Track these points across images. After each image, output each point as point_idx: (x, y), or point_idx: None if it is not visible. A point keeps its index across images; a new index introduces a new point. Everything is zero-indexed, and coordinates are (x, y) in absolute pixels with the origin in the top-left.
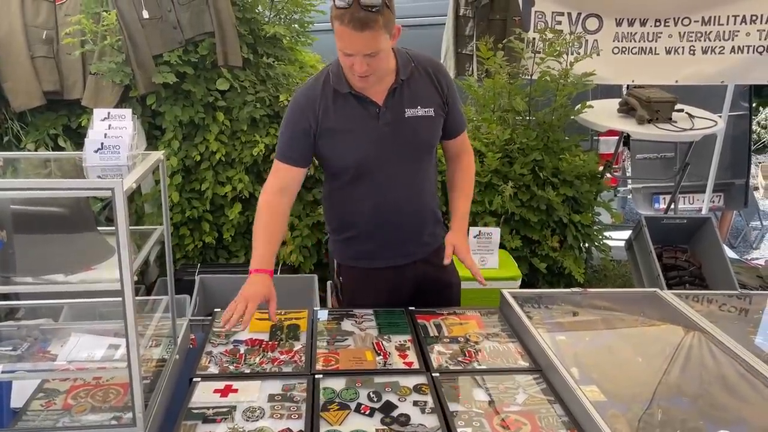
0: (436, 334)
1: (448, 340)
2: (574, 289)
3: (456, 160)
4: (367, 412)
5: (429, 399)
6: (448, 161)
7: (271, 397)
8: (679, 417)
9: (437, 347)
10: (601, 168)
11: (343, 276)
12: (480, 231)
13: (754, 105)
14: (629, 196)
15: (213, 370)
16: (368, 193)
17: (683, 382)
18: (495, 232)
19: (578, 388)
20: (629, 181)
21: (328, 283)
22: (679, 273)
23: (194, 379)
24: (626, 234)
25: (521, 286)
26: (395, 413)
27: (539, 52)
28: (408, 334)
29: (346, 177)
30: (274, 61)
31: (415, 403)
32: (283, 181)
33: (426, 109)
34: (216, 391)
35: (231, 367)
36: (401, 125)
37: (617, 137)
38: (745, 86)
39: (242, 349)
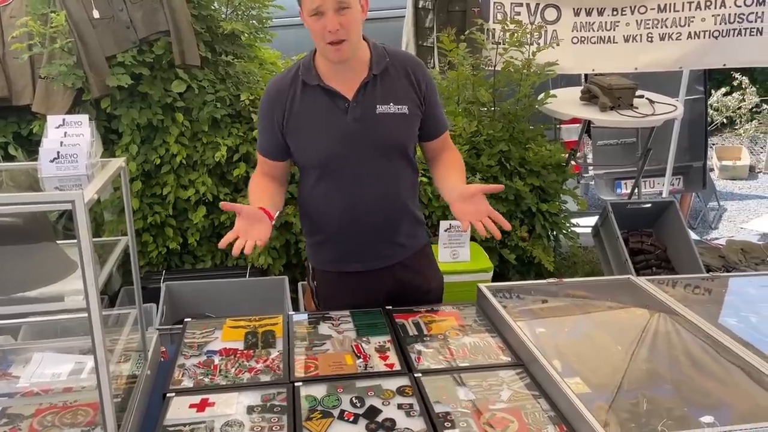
0: (416, 333)
1: (428, 338)
2: (549, 280)
3: (439, 157)
4: (351, 419)
5: (413, 401)
6: (430, 163)
7: (251, 409)
8: (664, 405)
9: (417, 347)
10: (565, 156)
11: (318, 280)
12: (450, 224)
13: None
14: (592, 183)
15: (187, 383)
16: (337, 193)
17: (663, 368)
18: None
19: (562, 381)
20: (590, 168)
21: (299, 285)
22: (646, 257)
23: (168, 395)
24: (592, 220)
25: (493, 278)
26: (380, 418)
27: (501, 43)
28: (387, 335)
29: (314, 175)
30: (233, 59)
31: (400, 407)
32: (267, 174)
33: (399, 107)
34: (192, 405)
35: (206, 380)
36: (371, 122)
37: (579, 125)
38: (701, 70)
39: (216, 359)
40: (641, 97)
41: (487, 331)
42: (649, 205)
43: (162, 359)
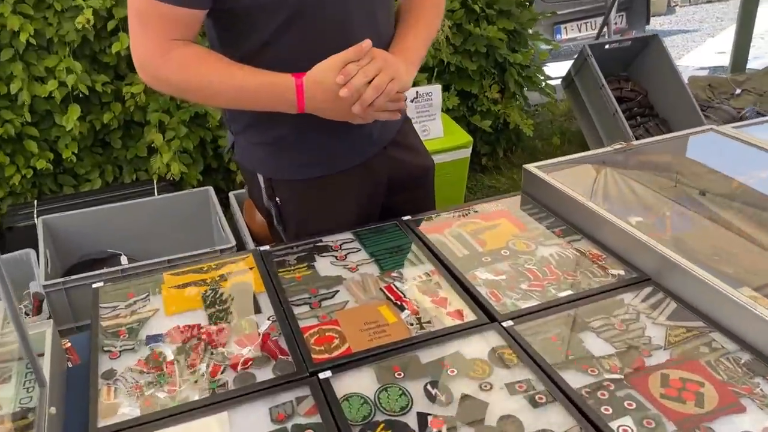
0: (466, 252)
1: (488, 258)
2: (613, 146)
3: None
4: (442, 430)
5: (526, 374)
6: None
7: None
8: None
9: (480, 274)
10: None
11: (283, 196)
12: (417, 92)
13: None
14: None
15: (128, 409)
16: (312, 51)
17: None
18: (435, 91)
19: (733, 294)
20: None
21: (230, 195)
22: (628, 105)
23: None
24: (559, 70)
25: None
26: (492, 418)
27: None
28: (427, 262)
29: (269, 28)
30: None
31: (511, 389)
32: (183, 37)
33: None
34: None
35: (160, 395)
36: None
37: None
38: None
39: (167, 350)
40: None
41: (562, 233)
42: (629, 42)
43: (70, 365)
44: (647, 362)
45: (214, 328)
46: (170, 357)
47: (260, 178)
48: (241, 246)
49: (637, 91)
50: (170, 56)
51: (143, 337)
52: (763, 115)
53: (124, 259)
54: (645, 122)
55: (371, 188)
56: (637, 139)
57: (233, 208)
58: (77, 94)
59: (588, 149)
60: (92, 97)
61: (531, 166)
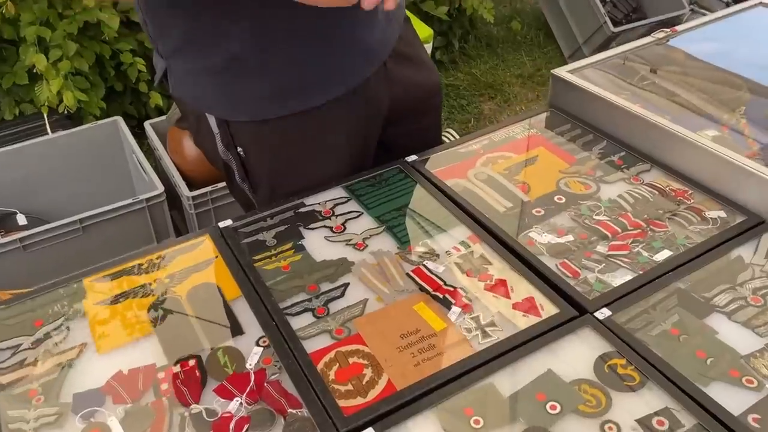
0: (507, 204)
1: (541, 210)
2: (656, 34)
3: None
4: None
5: (660, 401)
6: None
7: None
8: None
9: (537, 236)
10: None
11: (245, 144)
12: None
13: None
14: None
15: None
16: None
17: None
18: None
19: None
20: None
21: (146, 125)
22: None
23: None
24: None
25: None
26: None
27: None
28: (458, 224)
29: None
30: None
31: (646, 429)
32: None
33: None
34: None
35: None
36: None
37: None
38: None
39: (112, 421)
40: None
41: (623, 162)
42: None
43: None
44: None
45: (177, 369)
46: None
47: (211, 120)
48: (172, 192)
49: None
50: None
51: (68, 397)
52: None
53: (21, 218)
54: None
55: (368, 122)
56: (613, 21)
57: (152, 142)
58: None
59: (552, 32)
60: None
61: (562, 71)
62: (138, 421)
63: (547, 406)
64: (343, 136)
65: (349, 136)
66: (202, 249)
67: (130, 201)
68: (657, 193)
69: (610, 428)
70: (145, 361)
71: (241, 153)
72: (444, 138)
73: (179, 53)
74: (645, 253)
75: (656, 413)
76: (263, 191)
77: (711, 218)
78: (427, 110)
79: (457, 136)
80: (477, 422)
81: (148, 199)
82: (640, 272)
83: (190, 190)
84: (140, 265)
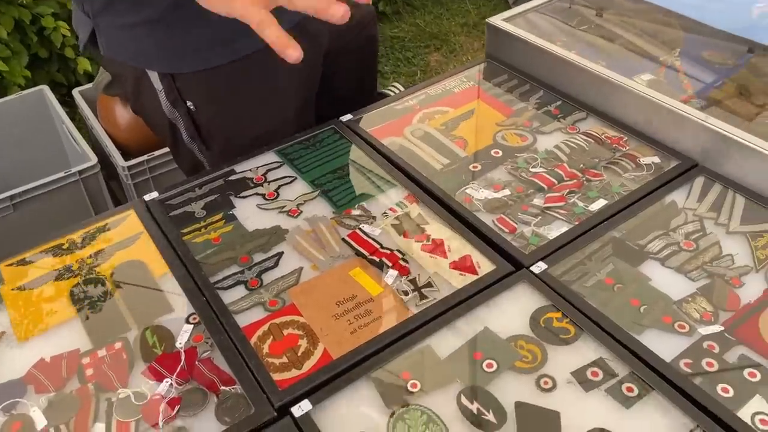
0: (444, 161)
1: (478, 165)
2: None
3: None
4: None
5: (601, 352)
6: None
7: None
8: None
9: (474, 192)
10: None
11: (194, 98)
12: None
13: None
14: None
15: None
16: None
17: None
18: None
19: None
20: None
21: (75, 93)
22: None
23: None
24: None
25: None
26: None
27: None
28: (395, 185)
29: None
30: None
31: (580, 380)
32: None
33: None
34: None
35: None
36: None
37: None
38: None
39: (35, 411)
40: None
41: (560, 111)
42: None
43: None
44: (742, 296)
45: (103, 352)
46: (41, 424)
47: (153, 77)
48: (106, 162)
49: None
50: None
51: None
52: None
53: None
54: None
55: (312, 59)
56: None
57: (82, 111)
58: None
59: None
60: None
61: (497, 20)
62: (62, 410)
63: (484, 365)
64: (294, 75)
65: (298, 75)
66: (126, 225)
67: (62, 174)
68: (593, 141)
69: (545, 382)
70: (68, 347)
71: (191, 107)
72: (390, 92)
73: (109, 9)
74: (581, 204)
75: (590, 364)
76: (217, 145)
77: (645, 164)
78: (364, 51)
79: (404, 90)
80: (414, 386)
81: (81, 171)
82: (576, 223)
83: (126, 159)
84: (61, 245)
